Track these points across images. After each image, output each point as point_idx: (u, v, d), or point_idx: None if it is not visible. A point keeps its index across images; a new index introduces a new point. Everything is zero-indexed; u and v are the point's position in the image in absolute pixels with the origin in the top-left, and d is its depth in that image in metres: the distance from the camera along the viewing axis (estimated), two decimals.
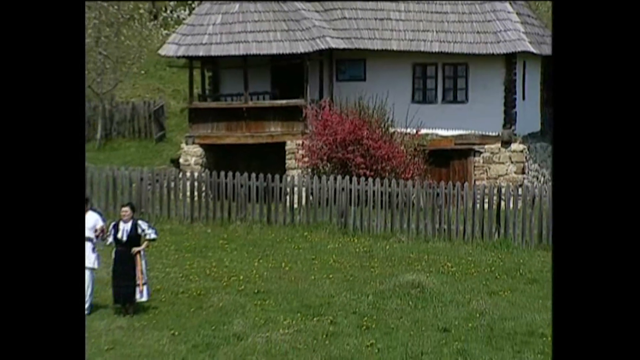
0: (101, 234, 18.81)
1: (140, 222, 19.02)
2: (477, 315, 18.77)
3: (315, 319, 18.40)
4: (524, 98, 34.21)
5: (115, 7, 40.61)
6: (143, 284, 18.66)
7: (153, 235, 19.03)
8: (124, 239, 18.64)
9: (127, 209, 19.18)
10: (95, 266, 18.93)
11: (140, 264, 18.64)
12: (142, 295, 18.68)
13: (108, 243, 18.96)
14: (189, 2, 49.17)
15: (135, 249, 18.61)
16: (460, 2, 33.76)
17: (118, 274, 18.65)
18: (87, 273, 18.86)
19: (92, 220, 19.04)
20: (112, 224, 19.09)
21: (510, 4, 33.93)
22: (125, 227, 18.72)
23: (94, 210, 20.26)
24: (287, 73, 33.18)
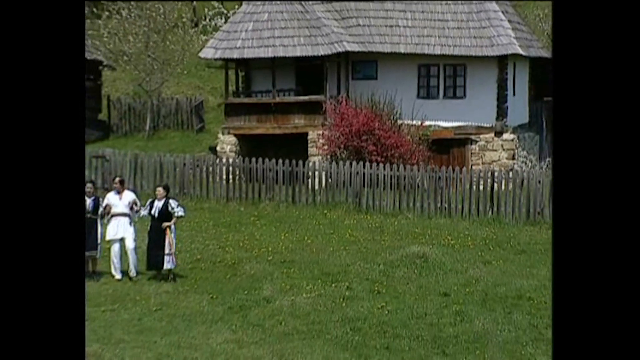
0: (134, 207, 18.97)
1: (171, 201, 19.04)
2: (474, 281, 18.76)
3: (333, 284, 18.42)
4: (514, 94, 34.09)
5: (162, 16, 40.62)
6: (171, 254, 18.69)
7: (181, 213, 19.06)
8: (156, 215, 18.72)
9: (160, 189, 19.30)
10: (134, 236, 19.06)
11: (170, 237, 18.66)
12: (169, 263, 18.72)
13: (140, 216, 19.07)
14: (224, 10, 49.16)
15: (165, 224, 18.66)
16: (459, 11, 33.63)
17: (151, 245, 18.77)
18: (130, 243, 18.99)
19: (129, 198, 19.19)
20: (149, 201, 19.18)
21: (502, 12, 33.81)
22: (158, 205, 18.81)
23: (130, 190, 20.38)
24: (310, 73, 33.15)
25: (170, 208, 18.77)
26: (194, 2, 50.89)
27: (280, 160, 28.55)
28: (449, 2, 33.86)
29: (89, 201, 19.02)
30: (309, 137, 32.56)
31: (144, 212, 18.96)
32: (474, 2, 33.74)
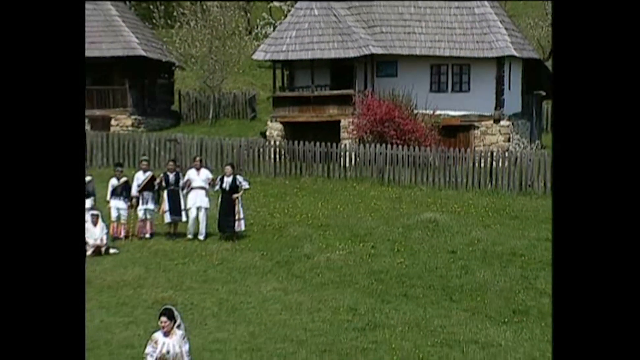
0: (212, 182, 19.08)
1: (238, 176, 19.20)
2: (476, 241, 18.71)
3: (361, 244, 18.45)
4: (509, 88, 33.76)
5: (222, 26, 40.67)
6: (239, 219, 18.80)
7: (246, 186, 19.19)
8: (227, 188, 18.81)
9: (229, 167, 19.42)
10: (208, 206, 19.14)
11: (238, 206, 18.77)
12: (238, 227, 18.84)
13: (215, 190, 19.16)
14: (272, 21, 49.00)
15: (234, 195, 18.75)
16: (464, 20, 33.32)
17: (222, 212, 18.87)
18: (203, 211, 19.09)
19: (206, 174, 19.27)
20: (219, 177, 19.29)
21: (500, 21, 33.48)
22: (227, 180, 18.89)
23: (207, 168, 20.48)
24: (342, 71, 33.02)
25: (237, 182, 18.91)
26: (249, 14, 50.80)
27: (317, 143, 28.56)
28: (456, 13, 33.57)
29: (171, 176, 19.20)
30: (341, 124, 32.47)
31: (217, 187, 19.08)
32: (477, 13, 33.41)
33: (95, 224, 18.10)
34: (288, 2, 48.71)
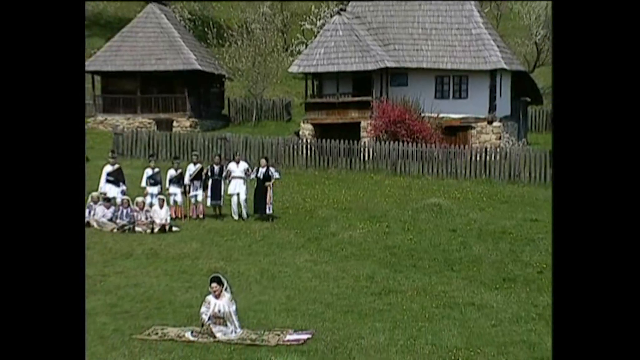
0: (248, 172, 19.12)
1: (270, 168, 19.17)
2: (472, 222, 18.59)
3: (377, 224, 18.40)
4: (500, 95, 33.46)
5: (264, 44, 40.80)
6: (270, 204, 18.79)
7: (277, 176, 19.17)
8: (261, 177, 18.81)
9: (263, 160, 19.44)
10: (245, 192, 19.20)
11: (269, 192, 18.74)
12: (269, 210, 18.82)
13: (250, 179, 19.20)
14: (305, 40, 48.89)
15: (267, 184, 18.74)
16: (464, 40, 33.04)
17: (257, 198, 18.86)
18: (242, 197, 19.14)
19: (243, 166, 19.35)
20: (255, 168, 19.31)
21: (493, 40, 33.18)
22: (262, 171, 18.90)
23: (244, 161, 20.53)
24: (362, 81, 32.94)
25: (270, 173, 18.89)
26: (285, 35, 50.77)
27: (341, 141, 28.51)
28: (456, 33, 33.30)
29: (216, 167, 19.25)
30: (361, 125, 32.38)
31: (252, 175, 19.11)
32: (474, 33, 33.10)
33: (161, 206, 18.27)
34: (318, 25, 48.62)
